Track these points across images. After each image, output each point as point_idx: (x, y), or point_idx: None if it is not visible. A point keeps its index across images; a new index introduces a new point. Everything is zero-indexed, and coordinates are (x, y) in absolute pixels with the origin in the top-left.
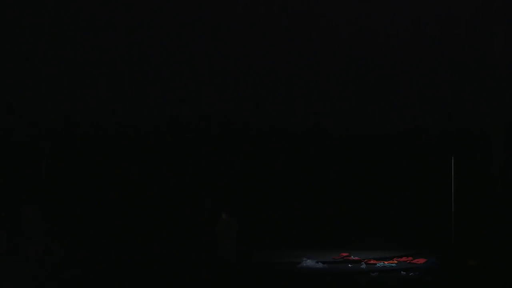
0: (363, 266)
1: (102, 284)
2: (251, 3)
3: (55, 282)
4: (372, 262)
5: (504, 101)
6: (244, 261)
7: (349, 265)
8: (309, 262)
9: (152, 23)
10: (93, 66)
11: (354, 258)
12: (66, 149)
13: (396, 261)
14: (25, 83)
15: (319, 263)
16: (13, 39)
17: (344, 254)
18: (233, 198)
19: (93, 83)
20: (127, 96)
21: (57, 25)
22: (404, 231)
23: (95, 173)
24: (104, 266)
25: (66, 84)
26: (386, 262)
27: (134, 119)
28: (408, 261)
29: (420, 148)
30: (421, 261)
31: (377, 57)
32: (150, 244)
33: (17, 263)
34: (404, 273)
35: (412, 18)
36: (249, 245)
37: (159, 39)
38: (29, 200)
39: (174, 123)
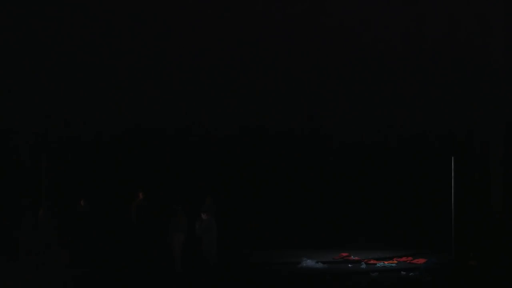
0: (363, 266)
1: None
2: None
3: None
4: (372, 262)
5: (504, 102)
6: (243, 262)
7: (349, 265)
8: (309, 262)
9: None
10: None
11: (354, 258)
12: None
13: (396, 261)
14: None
15: (319, 263)
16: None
17: (344, 254)
18: (233, 198)
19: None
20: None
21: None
22: (404, 231)
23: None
24: (102, 267)
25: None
26: (386, 262)
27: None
28: (408, 261)
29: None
30: (421, 261)
31: (376, 58)
32: (145, 245)
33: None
34: (404, 273)
35: (412, 19)
36: (249, 245)
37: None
38: (31, 202)
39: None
